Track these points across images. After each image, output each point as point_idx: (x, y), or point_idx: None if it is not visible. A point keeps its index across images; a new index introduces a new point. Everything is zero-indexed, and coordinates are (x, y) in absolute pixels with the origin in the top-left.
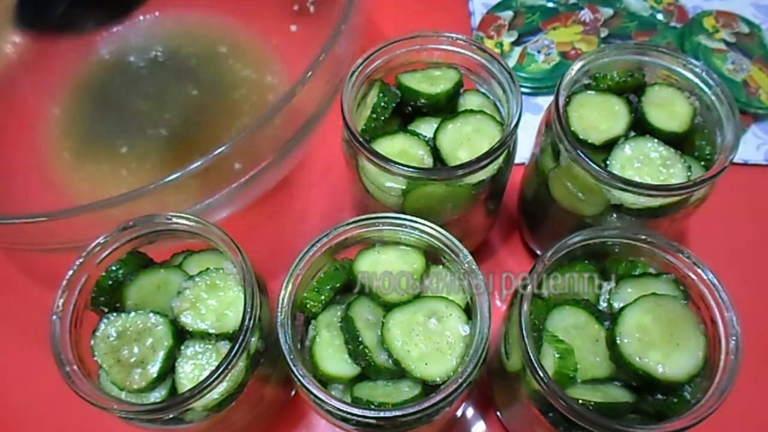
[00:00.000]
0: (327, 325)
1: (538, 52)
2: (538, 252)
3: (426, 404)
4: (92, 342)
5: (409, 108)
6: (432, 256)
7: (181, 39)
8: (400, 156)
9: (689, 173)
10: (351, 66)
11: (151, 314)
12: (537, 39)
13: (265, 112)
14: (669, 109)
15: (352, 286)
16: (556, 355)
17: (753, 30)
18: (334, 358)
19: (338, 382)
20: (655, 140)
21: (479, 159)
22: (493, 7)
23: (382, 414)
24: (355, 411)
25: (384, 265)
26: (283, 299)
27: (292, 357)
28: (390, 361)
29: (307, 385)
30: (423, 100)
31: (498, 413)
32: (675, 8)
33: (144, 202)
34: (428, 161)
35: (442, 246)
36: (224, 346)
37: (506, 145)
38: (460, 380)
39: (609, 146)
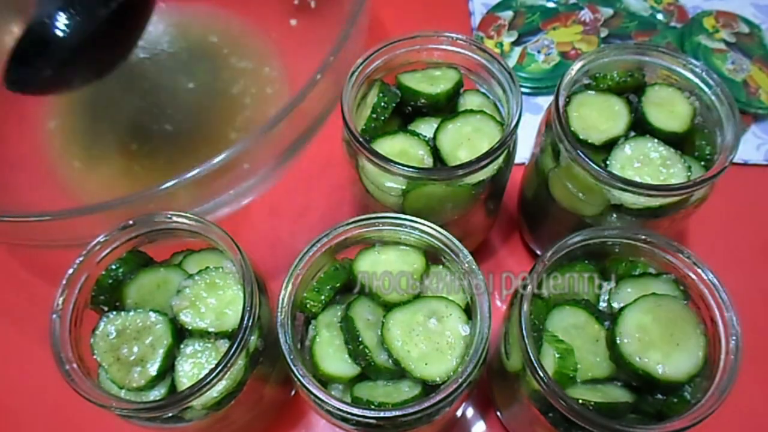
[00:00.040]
0: (327, 325)
1: (538, 52)
2: (538, 252)
3: (426, 404)
4: (92, 340)
5: (409, 108)
6: (432, 256)
7: (177, 32)
8: (400, 156)
9: (689, 173)
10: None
11: (150, 313)
12: (537, 39)
13: (274, 111)
14: (669, 109)
15: (352, 286)
16: (556, 355)
17: (753, 30)
18: (334, 358)
19: (338, 382)
20: (655, 140)
21: (479, 159)
22: (493, 7)
23: (382, 414)
24: (355, 411)
25: (384, 265)
26: (283, 299)
27: (292, 357)
28: (390, 361)
29: (307, 385)
30: (423, 100)
31: (498, 413)
32: (675, 8)
33: (157, 201)
34: (428, 161)
35: (442, 246)
36: (223, 345)
37: (506, 145)
38: (460, 380)
39: (609, 146)
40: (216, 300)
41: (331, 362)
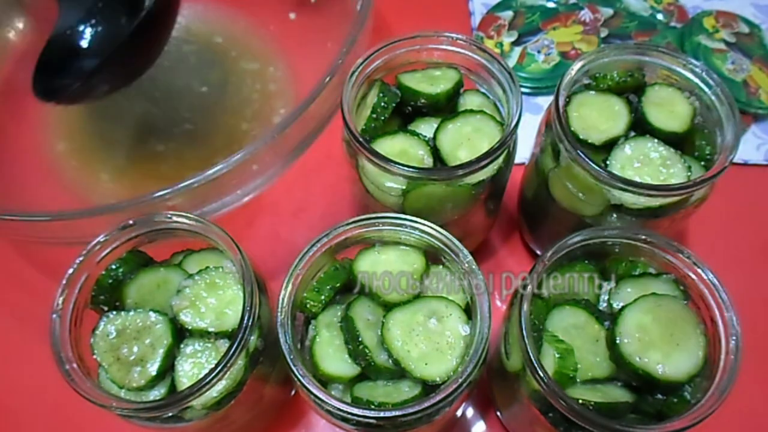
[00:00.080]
0: (327, 325)
1: (538, 52)
2: (538, 252)
3: (426, 404)
4: (92, 340)
5: (409, 108)
6: (432, 256)
7: (183, 36)
8: (400, 156)
9: (689, 173)
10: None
11: (150, 313)
12: (537, 39)
13: (279, 103)
14: (669, 109)
15: (352, 286)
16: (556, 355)
17: (753, 30)
18: (334, 358)
19: (338, 382)
20: (655, 140)
21: (479, 159)
22: (493, 7)
23: (382, 414)
24: (355, 411)
25: (384, 265)
26: (283, 299)
27: (292, 357)
28: (390, 361)
29: (307, 385)
30: (423, 100)
31: (498, 413)
32: (675, 8)
33: (164, 204)
34: (428, 161)
35: (442, 246)
36: (223, 345)
37: (506, 145)
38: (460, 380)
39: (609, 146)
40: (216, 300)
41: (331, 362)
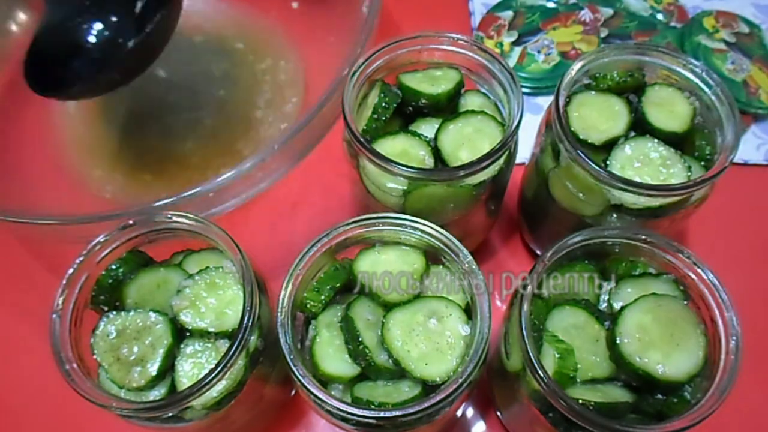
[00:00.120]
0: (327, 325)
1: (538, 52)
2: (538, 252)
3: (426, 404)
4: (92, 340)
5: (410, 108)
6: (432, 256)
7: (186, 26)
8: (401, 156)
9: (689, 173)
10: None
11: (150, 313)
12: (537, 39)
13: (289, 92)
14: (669, 109)
15: (352, 286)
16: (556, 355)
17: (753, 30)
18: (334, 358)
19: (338, 382)
20: (655, 140)
21: (480, 160)
22: (493, 7)
23: (382, 414)
24: (355, 411)
25: (384, 265)
26: (283, 299)
27: (292, 357)
28: (390, 361)
29: (307, 385)
30: (424, 101)
31: (498, 413)
32: (675, 8)
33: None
34: (429, 162)
35: (443, 246)
36: (223, 345)
37: (507, 145)
38: (460, 380)
39: (609, 146)
40: (216, 300)
41: (331, 362)
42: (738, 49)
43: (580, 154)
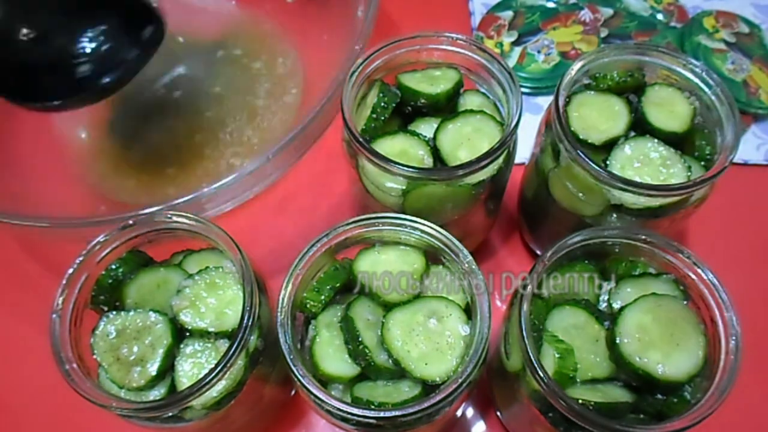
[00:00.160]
0: (327, 325)
1: (538, 52)
2: (538, 252)
3: (426, 404)
4: (92, 340)
5: (409, 108)
6: (432, 256)
7: (190, 41)
8: (400, 156)
9: (689, 173)
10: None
11: (150, 313)
12: (537, 39)
13: (288, 83)
14: (669, 109)
15: (352, 286)
16: (556, 355)
17: (753, 30)
18: (334, 358)
19: (338, 382)
20: (655, 140)
21: (479, 159)
22: (493, 7)
23: (382, 414)
24: (355, 411)
25: (384, 265)
26: (283, 299)
27: (292, 357)
28: (390, 361)
29: (307, 385)
30: (423, 100)
31: (498, 413)
32: (675, 8)
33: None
34: (428, 161)
35: (442, 246)
36: (223, 345)
37: (506, 145)
38: (460, 380)
39: (609, 146)
40: (216, 300)
41: (331, 362)
42: (738, 49)
43: (580, 154)
